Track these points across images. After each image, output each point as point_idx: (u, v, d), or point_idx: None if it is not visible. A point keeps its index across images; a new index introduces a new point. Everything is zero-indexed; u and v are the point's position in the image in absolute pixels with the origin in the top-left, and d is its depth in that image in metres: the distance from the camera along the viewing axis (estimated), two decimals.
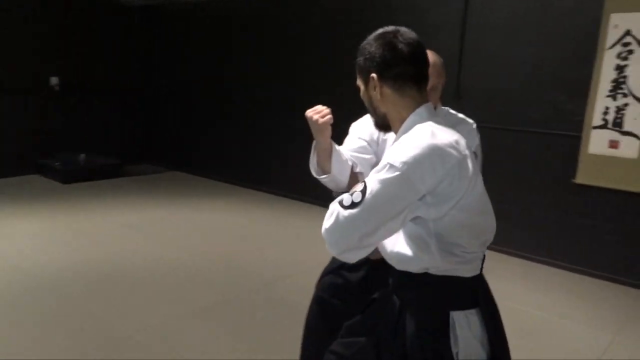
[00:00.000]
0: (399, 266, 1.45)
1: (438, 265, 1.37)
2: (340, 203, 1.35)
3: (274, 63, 6.17)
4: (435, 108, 1.76)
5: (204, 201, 5.98)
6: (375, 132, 2.04)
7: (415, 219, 1.36)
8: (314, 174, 1.97)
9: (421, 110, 1.43)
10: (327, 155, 1.86)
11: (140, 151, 7.98)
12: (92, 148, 7.18)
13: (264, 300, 3.47)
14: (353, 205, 1.32)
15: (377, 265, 1.76)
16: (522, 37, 4.30)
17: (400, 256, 1.42)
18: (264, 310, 3.33)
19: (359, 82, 1.54)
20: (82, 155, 6.95)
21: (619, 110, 3.88)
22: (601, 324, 3.35)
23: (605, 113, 3.94)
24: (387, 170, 1.31)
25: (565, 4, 4.08)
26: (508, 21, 4.36)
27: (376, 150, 2.05)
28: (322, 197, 5.70)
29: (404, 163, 1.29)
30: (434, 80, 1.90)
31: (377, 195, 1.30)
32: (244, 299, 3.46)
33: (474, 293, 1.44)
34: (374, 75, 1.45)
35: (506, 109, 4.45)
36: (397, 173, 1.29)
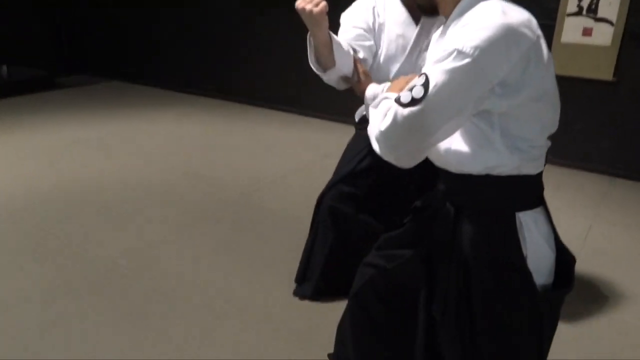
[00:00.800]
0: (457, 168, 1.31)
1: (505, 162, 1.24)
2: (398, 100, 1.16)
3: None
4: None
5: (154, 112, 5.55)
6: (370, 18, 1.91)
7: (478, 113, 1.21)
8: (315, 70, 1.76)
9: None
10: (327, 49, 1.66)
11: (69, 60, 7.21)
12: (12, 59, 6.38)
13: (244, 211, 3.32)
14: (414, 102, 1.14)
15: (387, 172, 1.64)
16: None
17: (459, 156, 1.28)
18: (247, 221, 3.19)
19: None
20: (3, 68, 6.18)
21: None
22: (580, 211, 3.49)
23: (580, 0, 3.85)
24: (455, 57, 1.12)
25: None
26: None
27: (374, 37, 1.91)
28: (282, 100, 5.52)
29: (476, 48, 1.10)
30: None
31: (443, 88, 1.12)
32: (224, 213, 3.29)
33: (540, 190, 1.35)
34: None
35: None
36: (467, 60, 1.11)
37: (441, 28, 1.37)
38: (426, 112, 1.14)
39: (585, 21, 3.85)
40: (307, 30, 1.63)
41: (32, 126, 4.89)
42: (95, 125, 4.98)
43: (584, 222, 3.31)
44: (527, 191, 1.31)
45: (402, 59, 1.90)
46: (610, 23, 3.79)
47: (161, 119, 5.31)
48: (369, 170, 2.11)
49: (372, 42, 1.90)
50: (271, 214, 3.26)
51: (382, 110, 1.21)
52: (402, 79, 1.38)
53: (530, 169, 1.28)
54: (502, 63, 1.12)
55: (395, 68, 1.91)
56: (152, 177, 3.80)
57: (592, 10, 3.82)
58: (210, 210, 3.31)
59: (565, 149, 4.19)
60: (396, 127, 1.17)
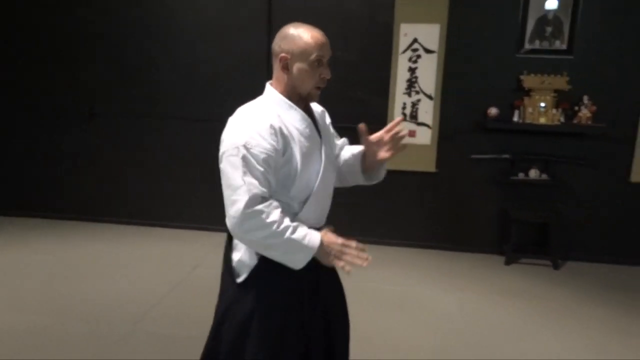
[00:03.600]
0: None
1: None
2: None
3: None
4: None
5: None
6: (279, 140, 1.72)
7: None
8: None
9: None
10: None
11: None
12: None
13: (141, 344, 3.16)
14: None
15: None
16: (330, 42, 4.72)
17: None
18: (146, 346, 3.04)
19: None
20: None
21: (414, 105, 4.65)
22: (447, 285, 4.07)
23: (404, 108, 4.67)
24: None
25: (362, 14, 4.64)
26: (312, 24, 4.72)
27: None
28: (138, 214, 5.33)
29: None
30: None
31: None
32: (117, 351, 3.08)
33: None
34: None
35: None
36: None
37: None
38: None
39: (409, 125, 4.67)
40: None
41: None
42: None
43: (453, 292, 3.88)
44: None
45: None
46: (428, 126, 4.65)
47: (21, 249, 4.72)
48: None
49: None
50: (167, 337, 3.15)
51: None
52: None
53: None
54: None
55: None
56: (36, 319, 3.36)
57: (414, 117, 4.65)
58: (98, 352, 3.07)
59: (407, 232, 4.87)
60: None
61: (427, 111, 4.64)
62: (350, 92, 4.75)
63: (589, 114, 4.37)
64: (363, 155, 1.93)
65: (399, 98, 4.66)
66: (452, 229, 4.85)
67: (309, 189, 1.75)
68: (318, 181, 1.76)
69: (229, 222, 1.62)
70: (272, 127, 1.64)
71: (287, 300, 1.76)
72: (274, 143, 1.63)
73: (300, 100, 1.78)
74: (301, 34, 1.72)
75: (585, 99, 4.37)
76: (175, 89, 5.03)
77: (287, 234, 1.59)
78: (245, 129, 1.64)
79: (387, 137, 1.85)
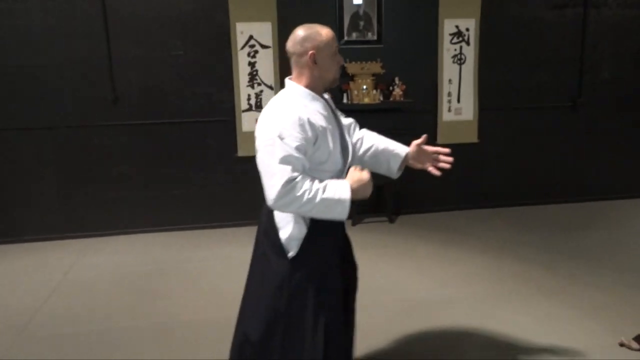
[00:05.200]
0: None
1: None
2: None
3: None
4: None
5: None
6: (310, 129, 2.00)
7: None
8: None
9: None
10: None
11: None
12: None
13: None
14: None
15: None
16: (167, 42, 4.97)
17: None
18: None
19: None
20: None
21: (257, 95, 5.13)
22: None
23: (249, 99, 5.13)
24: None
25: (199, 15, 4.98)
26: (150, 28, 4.92)
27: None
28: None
29: None
30: None
31: None
32: None
33: None
34: None
35: (164, 105, 5.07)
36: None
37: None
38: None
39: (256, 114, 5.13)
40: None
41: None
42: None
43: None
44: None
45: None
46: None
47: None
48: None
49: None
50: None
51: None
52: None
53: None
54: None
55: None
56: None
57: (259, 106, 5.14)
58: None
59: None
60: None
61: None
62: (197, 88, 5.07)
63: (400, 92, 5.29)
64: (405, 157, 2.32)
65: (243, 90, 5.11)
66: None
67: (337, 164, 2.10)
68: (350, 157, 2.15)
69: (269, 204, 1.93)
70: (300, 118, 1.92)
71: (336, 260, 2.11)
72: (304, 132, 1.91)
73: (323, 89, 2.12)
74: (319, 31, 2.03)
75: (397, 79, 5.29)
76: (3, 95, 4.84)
77: (319, 196, 1.89)
78: (278, 122, 1.92)
79: (431, 151, 2.32)
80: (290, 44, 2.07)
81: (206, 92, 5.11)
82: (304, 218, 2.04)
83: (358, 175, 2.00)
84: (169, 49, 4.99)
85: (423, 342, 3.07)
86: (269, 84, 5.13)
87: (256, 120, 4.94)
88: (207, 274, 4.18)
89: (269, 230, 2.10)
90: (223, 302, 3.62)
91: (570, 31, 5.61)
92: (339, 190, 1.93)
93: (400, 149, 2.34)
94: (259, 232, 2.21)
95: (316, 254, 2.05)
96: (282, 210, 1.97)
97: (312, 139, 1.95)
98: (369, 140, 2.37)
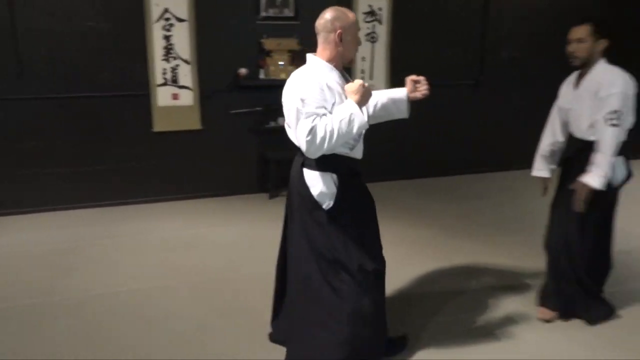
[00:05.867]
0: None
1: None
2: None
3: None
4: None
5: None
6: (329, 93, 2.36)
7: None
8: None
9: None
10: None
11: None
12: None
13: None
14: None
15: None
16: (78, 12, 4.78)
17: None
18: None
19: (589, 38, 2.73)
20: None
21: (173, 70, 5.09)
22: (226, 223, 4.72)
23: (164, 73, 5.08)
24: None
25: None
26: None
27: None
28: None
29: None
30: None
31: None
32: None
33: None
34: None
35: (76, 79, 4.91)
36: None
37: None
38: None
39: (172, 89, 5.11)
40: None
41: None
42: None
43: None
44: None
45: None
46: (190, 89, 5.17)
47: None
48: None
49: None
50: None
51: None
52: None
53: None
54: None
55: None
56: None
57: (175, 81, 5.11)
58: None
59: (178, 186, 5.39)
60: None
61: (187, 75, 5.14)
62: (110, 61, 4.94)
63: None
64: (407, 97, 2.61)
65: (158, 64, 5.04)
66: (222, 177, 5.54)
67: None
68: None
69: (309, 156, 2.30)
70: (320, 83, 2.27)
71: (368, 201, 2.58)
72: (323, 95, 2.26)
73: (341, 65, 2.43)
74: (346, 13, 2.37)
75: None
76: None
77: (336, 124, 2.21)
78: (301, 87, 2.27)
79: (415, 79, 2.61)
80: (321, 22, 2.37)
81: (120, 66, 4.99)
82: (331, 176, 2.39)
83: (350, 88, 2.29)
84: (80, 19, 4.81)
85: None
86: (185, 58, 5.10)
87: (172, 94, 5.03)
88: (123, 249, 4.19)
89: (301, 190, 2.44)
90: (138, 276, 3.68)
91: (474, 13, 6.00)
92: (346, 108, 2.25)
93: (400, 93, 2.64)
94: (292, 193, 2.55)
95: (353, 203, 2.46)
96: (321, 153, 2.28)
97: (330, 101, 2.29)
98: (373, 98, 2.63)
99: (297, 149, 2.43)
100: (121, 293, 3.45)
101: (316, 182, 2.41)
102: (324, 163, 2.37)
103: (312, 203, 2.41)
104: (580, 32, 2.79)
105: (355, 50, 2.44)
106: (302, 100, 2.23)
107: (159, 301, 3.35)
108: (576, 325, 3.03)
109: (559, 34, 3.42)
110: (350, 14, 2.37)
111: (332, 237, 2.41)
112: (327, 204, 2.40)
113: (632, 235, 4.24)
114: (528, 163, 3.42)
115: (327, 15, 2.35)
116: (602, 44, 2.79)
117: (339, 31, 2.33)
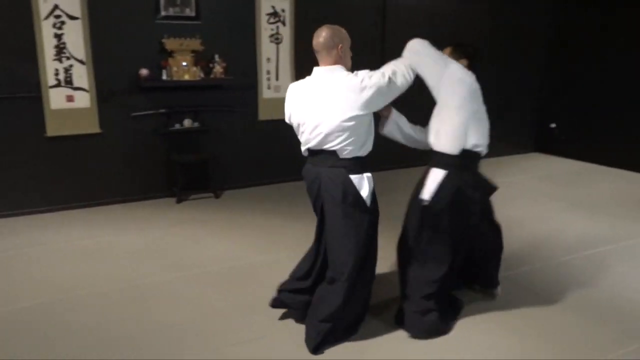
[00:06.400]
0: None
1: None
2: None
3: None
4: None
5: None
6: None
7: None
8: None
9: None
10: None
11: None
12: None
13: None
14: None
15: None
16: None
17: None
18: None
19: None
20: None
21: (67, 70, 4.80)
22: (135, 229, 4.52)
23: (57, 74, 4.77)
24: None
25: None
26: None
27: None
28: None
29: None
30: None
31: None
32: None
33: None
34: None
35: None
36: None
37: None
38: None
39: (66, 91, 4.81)
40: None
41: None
42: None
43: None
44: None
45: None
46: (86, 90, 4.90)
47: None
48: None
49: None
50: None
51: None
52: None
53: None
54: None
55: None
56: None
57: (69, 82, 4.82)
58: None
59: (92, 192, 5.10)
60: None
61: (82, 75, 4.87)
62: None
63: (221, 69, 5.38)
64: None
65: (50, 64, 4.73)
66: (126, 183, 5.31)
67: None
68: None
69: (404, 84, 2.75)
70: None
71: None
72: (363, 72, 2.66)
73: None
74: (341, 29, 2.65)
75: (217, 57, 5.36)
76: None
77: (403, 64, 2.77)
78: (351, 80, 2.59)
79: None
80: (320, 41, 2.63)
81: (6, 66, 4.62)
82: (368, 178, 2.71)
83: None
84: None
85: (251, 296, 3.30)
86: (79, 58, 4.83)
87: (66, 96, 4.75)
88: (19, 262, 3.89)
89: (347, 193, 2.65)
90: (36, 290, 3.44)
91: (373, 15, 6.23)
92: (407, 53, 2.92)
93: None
94: (326, 201, 2.72)
95: (376, 203, 2.81)
96: (407, 81, 2.79)
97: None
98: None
99: (314, 155, 2.76)
100: (22, 310, 3.20)
101: (363, 185, 2.69)
102: (361, 166, 2.69)
103: (361, 206, 2.69)
104: (445, 52, 3.13)
105: (350, 58, 2.73)
106: (368, 78, 2.57)
107: (62, 316, 3.15)
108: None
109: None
110: (343, 30, 2.66)
111: (369, 236, 2.80)
112: (368, 204, 2.72)
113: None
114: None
115: (325, 34, 2.62)
116: (463, 62, 3.09)
117: (340, 45, 2.62)
